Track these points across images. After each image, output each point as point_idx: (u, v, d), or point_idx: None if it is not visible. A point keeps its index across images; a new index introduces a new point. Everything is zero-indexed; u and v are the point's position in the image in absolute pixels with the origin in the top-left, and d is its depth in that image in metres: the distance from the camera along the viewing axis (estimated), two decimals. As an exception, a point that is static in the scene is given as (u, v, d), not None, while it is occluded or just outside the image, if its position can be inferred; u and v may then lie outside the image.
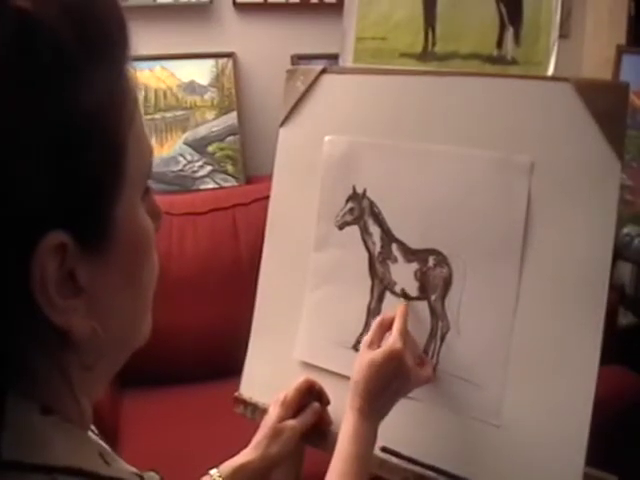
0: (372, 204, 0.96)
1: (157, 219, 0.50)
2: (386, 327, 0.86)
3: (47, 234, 0.38)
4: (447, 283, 0.90)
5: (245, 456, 0.87)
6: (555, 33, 0.98)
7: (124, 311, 0.47)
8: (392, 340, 0.82)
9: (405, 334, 0.84)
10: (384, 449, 0.89)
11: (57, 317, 0.40)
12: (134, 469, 0.50)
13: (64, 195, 0.39)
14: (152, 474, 0.52)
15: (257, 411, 1.01)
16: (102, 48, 0.41)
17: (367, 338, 0.85)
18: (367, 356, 0.82)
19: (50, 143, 0.38)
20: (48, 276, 0.39)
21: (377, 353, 0.81)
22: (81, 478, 0.42)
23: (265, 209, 1.08)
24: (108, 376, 0.50)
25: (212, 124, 2.04)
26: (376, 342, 0.84)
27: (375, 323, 0.87)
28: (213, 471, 0.85)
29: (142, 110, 1.98)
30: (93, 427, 0.52)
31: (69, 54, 0.38)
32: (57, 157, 0.38)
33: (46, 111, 0.37)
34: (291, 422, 0.89)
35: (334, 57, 1.15)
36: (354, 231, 0.97)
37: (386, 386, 0.81)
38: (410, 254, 0.93)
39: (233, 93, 2.05)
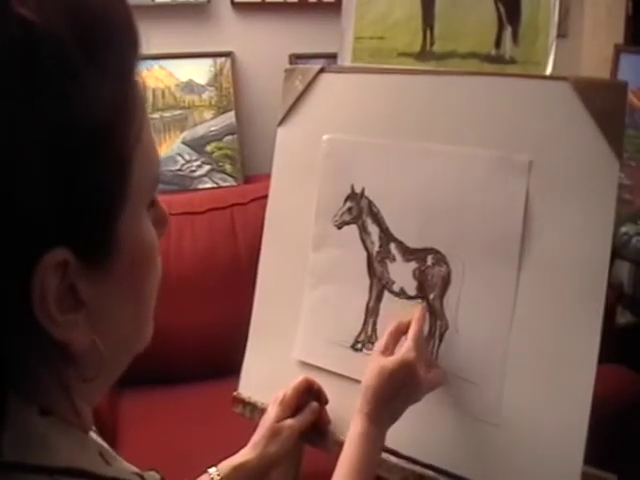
0: (370, 203, 0.96)
1: (163, 226, 0.49)
2: (401, 333, 0.85)
3: (49, 251, 0.37)
4: (445, 282, 0.90)
5: (243, 455, 0.87)
6: (553, 32, 0.98)
7: (126, 324, 0.46)
8: (405, 349, 0.81)
9: (420, 342, 0.83)
10: (383, 448, 0.89)
11: (57, 332, 0.39)
12: (135, 468, 0.50)
13: (67, 211, 0.38)
14: (152, 473, 0.52)
15: (256, 411, 1.01)
16: (108, 57, 0.40)
17: (381, 343, 0.83)
18: (379, 363, 0.80)
19: (53, 156, 0.37)
20: (48, 292, 0.38)
21: (389, 361, 0.80)
22: (81, 479, 0.42)
23: (263, 208, 1.08)
24: (108, 384, 0.49)
25: (210, 123, 2.04)
26: (390, 348, 0.82)
27: (390, 328, 0.85)
28: (212, 470, 0.85)
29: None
30: (93, 427, 0.52)
31: (73, 63, 0.37)
32: (60, 171, 0.37)
33: (49, 123, 0.36)
34: (289, 421, 0.89)
35: (332, 56, 1.15)
36: (353, 230, 0.97)
37: (396, 394, 0.80)
38: (409, 253, 0.93)
39: (231, 92, 2.05)
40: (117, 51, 0.41)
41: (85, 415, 0.47)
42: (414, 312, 0.86)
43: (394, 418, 0.81)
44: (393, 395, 0.80)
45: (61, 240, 0.38)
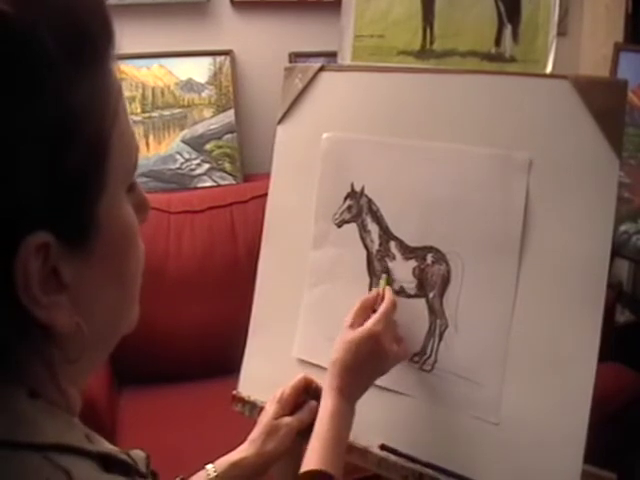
0: (370, 202, 0.96)
1: (144, 211, 0.50)
2: (368, 309, 0.87)
3: (30, 234, 0.39)
4: (445, 280, 0.90)
5: (241, 452, 0.87)
6: (553, 31, 0.98)
7: (109, 305, 0.47)
8: (372, 321, 0.83)
9: (388, 317, 0.85)
10: (383, 447, 0.89)
11: (41, 313, 0.40)
12: (119, 449, 0.50)
13: (47, 195, 0.39)
14: (138, 451, 0.52)
15: (255, 409, 1.01)
16: (84, 47, 0.41)
17: (348, 319, 0.85)
18: (346, 336, 0.83)
19: (33, 143, 0.38)
20: (31, 274, 0.39)
21: (355, 332, 0.83)
22: (70, 454, 0.42)
23: (263, 207, 1.07)
24: (94, 366, 0.51)
25: (210, 122, 2.04)
26: (357, 323, 0.85)
27: (357, 304, 0.87)
28: (209, 466, 0.85)
29: (140, 108, 1.97)
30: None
31: (51, 54, 0.38)
32: (40, 157, 0.38)
33: (29, 111, 0.38)
34: (287, 419, 0.89)
35: (332, 55, 1.15)
36: (352, 229, 0.97)
37: (362, 365, 0.82)
38: (408, 252, 0.93)
39: (231, 91, 2.05)
40: (92, 40, 0.42)
41: (72, 399, 0.48)
42: (385, 292, 0.88)
43: (362, 391, 0.83)
44: (361, 366, 0.82)
45: (42, 223, 0.39)
